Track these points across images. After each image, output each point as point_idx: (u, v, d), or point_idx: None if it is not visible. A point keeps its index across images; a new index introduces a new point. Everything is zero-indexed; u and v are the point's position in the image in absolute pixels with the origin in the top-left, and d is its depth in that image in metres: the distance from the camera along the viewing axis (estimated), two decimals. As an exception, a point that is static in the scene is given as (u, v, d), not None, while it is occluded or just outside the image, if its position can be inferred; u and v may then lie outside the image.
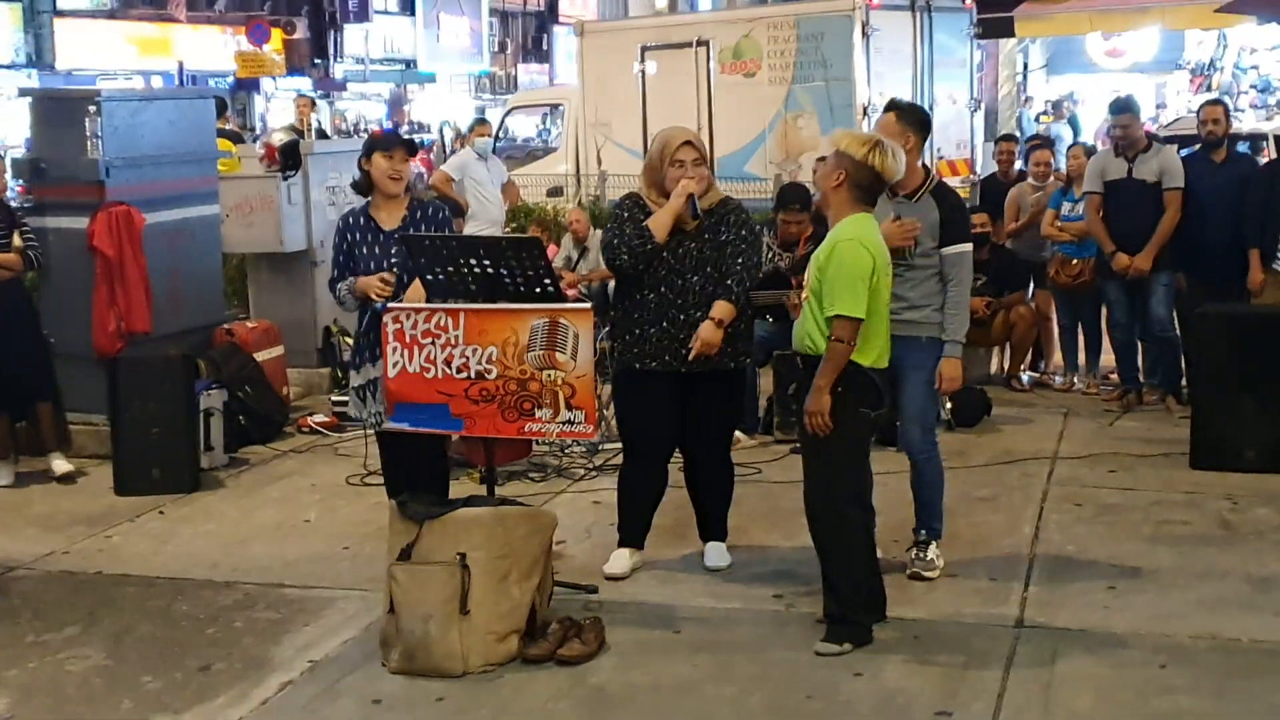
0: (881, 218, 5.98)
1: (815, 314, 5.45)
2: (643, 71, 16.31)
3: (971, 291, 9.96)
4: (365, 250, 6.25)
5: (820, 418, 5.35)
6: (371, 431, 6.53)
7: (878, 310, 5.43)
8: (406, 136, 6.67)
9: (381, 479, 7.82)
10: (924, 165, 6.29)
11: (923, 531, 6.28)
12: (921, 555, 6.22)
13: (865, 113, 13.55)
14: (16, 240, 7.97)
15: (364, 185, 6.34)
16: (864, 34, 14.10)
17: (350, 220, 6.36)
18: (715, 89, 15.61)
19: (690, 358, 6.11)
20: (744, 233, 6.22)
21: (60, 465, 8.14)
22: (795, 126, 15.18)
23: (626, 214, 6.26)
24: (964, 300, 6.16)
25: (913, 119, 6.26)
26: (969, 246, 6.20)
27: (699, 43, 15.74)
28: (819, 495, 5.52)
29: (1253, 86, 32.29)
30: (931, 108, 13.98)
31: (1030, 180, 10.74)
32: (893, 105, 6.39)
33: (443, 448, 6.53)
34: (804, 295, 5.59)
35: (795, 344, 5.63)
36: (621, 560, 6.38)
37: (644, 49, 16.32)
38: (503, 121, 20.11)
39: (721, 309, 6.09)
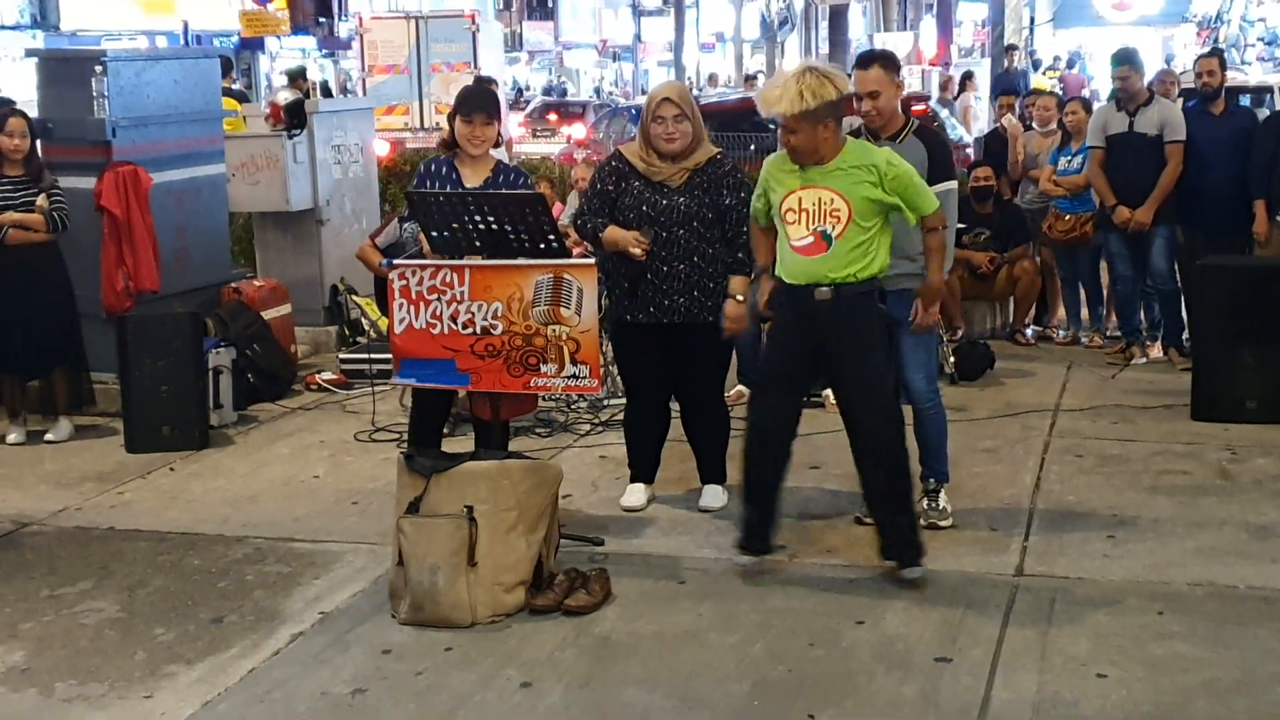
0: None
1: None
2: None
3: (976, 246, 10.17)
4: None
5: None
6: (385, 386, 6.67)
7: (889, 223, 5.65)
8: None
9: (389, 435, 7.96)
10: (900, 111, 6.29)
11: (931, 480, 6.32)
12: (934, 504, 6.27)
13: (364, 86, 23.80)
14: (41, 201, 7.86)
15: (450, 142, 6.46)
16: (357, 34, 24.79)
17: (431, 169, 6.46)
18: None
19: (723, 338, 6.34)
20: (743, 195, 6.25)
21: (51, 435, 8.10)
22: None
23: (599, 185, 6.42)
24: (949, 236, 6.13)
25: (894, 67, 6.20)
26: (954, 184, 6.20)
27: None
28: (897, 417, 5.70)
29: (1260, 39, 32.22)
30: (426, 77, 23.60)
31: (1036, 127, 10.76)
32: (874, 58, 6.21)
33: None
34: (832, 229, 5.54)
35: (821, 278, 5.55)
36: (636, 494, 6.67)
37: None
38: None
39: (738, 284, 6.27)
